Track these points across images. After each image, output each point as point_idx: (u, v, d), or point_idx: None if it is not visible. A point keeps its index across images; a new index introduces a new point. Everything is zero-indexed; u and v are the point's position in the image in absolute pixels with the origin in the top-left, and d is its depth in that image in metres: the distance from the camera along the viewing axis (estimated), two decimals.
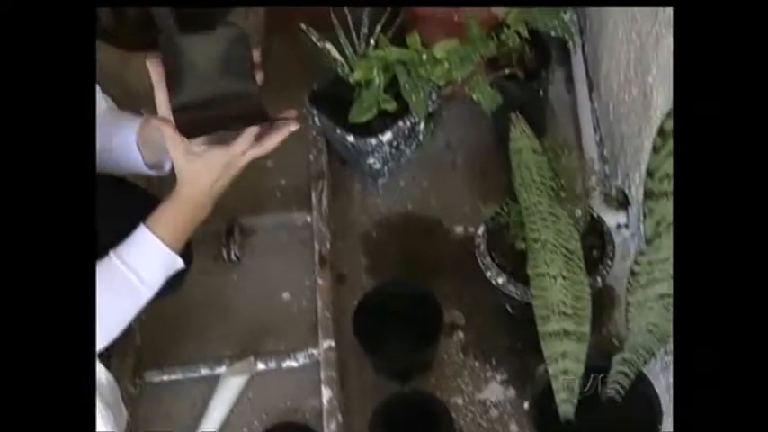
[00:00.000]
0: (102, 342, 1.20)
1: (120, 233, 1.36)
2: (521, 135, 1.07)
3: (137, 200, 1.47)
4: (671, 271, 0.98)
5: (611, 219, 1.61)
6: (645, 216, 0.96)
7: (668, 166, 0.90)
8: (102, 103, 1.34)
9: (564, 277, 1.12)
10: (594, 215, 1.47)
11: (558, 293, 1.13)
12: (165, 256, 1.18)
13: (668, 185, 0.92)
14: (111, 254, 1.17)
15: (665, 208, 0.93)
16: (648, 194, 0.95)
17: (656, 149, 0.93)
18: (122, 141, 1.30)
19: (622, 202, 1.64)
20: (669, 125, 0.91)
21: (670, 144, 0.91)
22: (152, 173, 1.35)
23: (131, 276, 1.16)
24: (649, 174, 0.95)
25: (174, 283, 1.47)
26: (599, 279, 1.41)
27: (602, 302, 1.59)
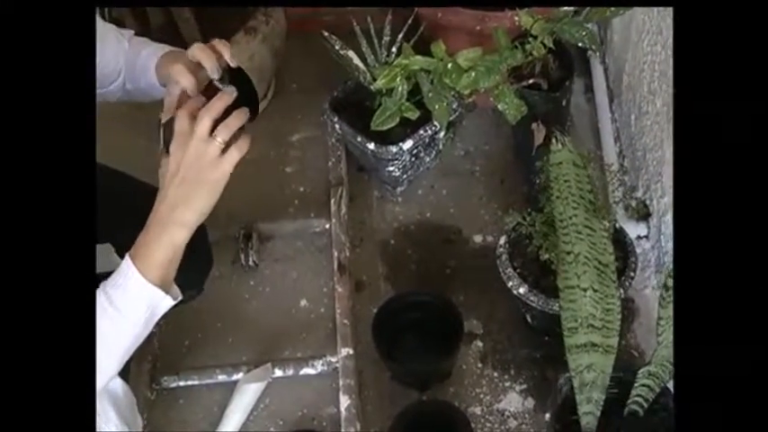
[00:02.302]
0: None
1: (123, 230, 1.36)
2: (562, 148, 1.06)
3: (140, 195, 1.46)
4: None
5: (632, 230, 1.61)
6: None
7: None
8: (123, 39, 1.32)
9: (594, 290, 1.11)
10: (617, 226, 1.46)
11: (587, 306, 1.12)
12: (148, 292, 1.05)
13: None
14: (101, 285, 1.07)
15: None
16: None
17: None
18: (151, 86, 1.28)
19: (643, 214, 1.64)
20: None
21: None
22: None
23: (111, 310, 1.05)
24: None
25: (194, 289, 1.48)
26: (621, 291, 1.40)
27: (622, 314, 1.58)
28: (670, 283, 0.99)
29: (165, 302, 1.08)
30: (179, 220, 1.06)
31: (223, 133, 1.04)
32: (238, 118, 1.05)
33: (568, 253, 1.09)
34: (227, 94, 1.06)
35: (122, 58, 1.30)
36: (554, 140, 1.07)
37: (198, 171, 1.04)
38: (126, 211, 1.29)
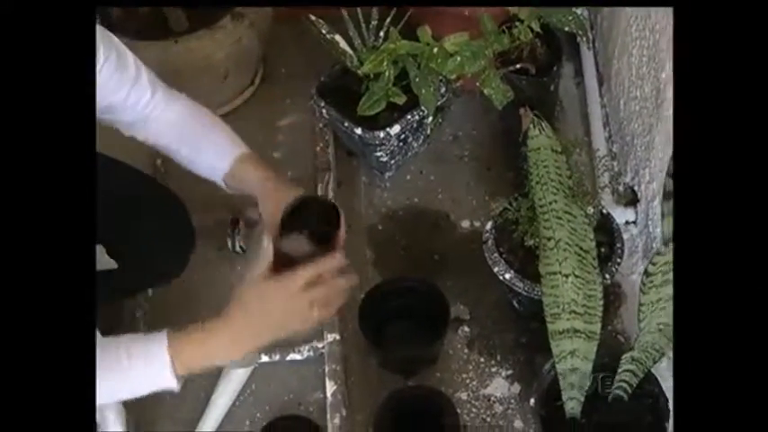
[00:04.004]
0: None
1: (124, 222, 1.36)
2: (540, 133, 1.06)
3: (145, 189, 1.46)
4: None
5: (620, 215, 1.60)
6: (663, 216, 0.95)
7: None
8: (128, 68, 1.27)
9: (576, 276, 1.11)
10: (604, 212, 1.46)
11: (569, 292, 1.12)
12: (165, 376, 1.06)
13: None
14: (123, 340, 1.08)
15: None
16: (668, 195, 0.94)
17: None
18: (209, 166, 1.29)
19: (631, 200, 1.64)
20: None
21: None
22: (228, 191, 1.33)
23: (124, 370, 1.05)
24: (669, 174, 0.94)
25: (176, 269, 1.48)
26: (607, 276, 1.40)
27: (608, 299, 1.58)
28: (651, 269, 0.99)
29: (171, 387, 1.09)
30: (242, 348, 1.09)
31: (324, 312, 1.07)
32: (341, 296, 1.09)
33: (549, 239, 1.08)
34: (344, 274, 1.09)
35: (130, 92, 1.24)
36: (532, 126, 1.06)
37: (286, 322, 1.08)
38: (116, 198, 1.28)
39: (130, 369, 1.05)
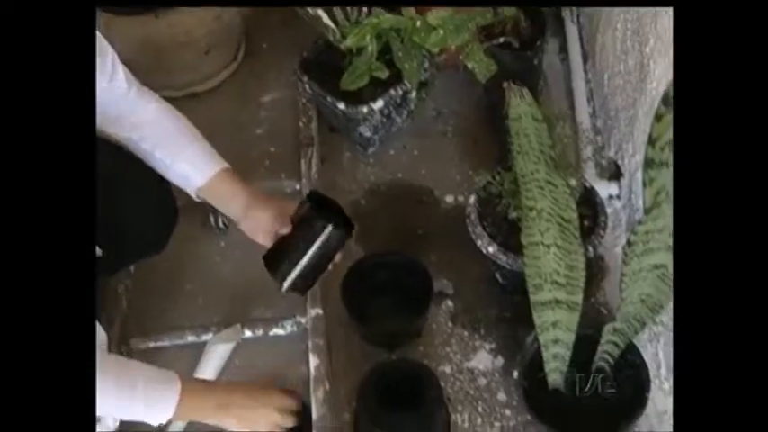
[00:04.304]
0: None
1: (107, 198, 1.34)
2: (521, 101, 1.05)
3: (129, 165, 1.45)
4: (667, 241, 0.98)
5: (603, 189, 1.61)
6: (644, 185, 0.95)
7: (670, 135, 0.89)
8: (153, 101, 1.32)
9: (558, 246, 1.11)
10: (587, 185, 1.46)
11: (551, 263, 1.13)
12: (159, 418, 1.14)
13: (669, 154, 0.91)
14: (140, 376, 1.13)
15: (666, 177, 0.92)
16: (649, 163, 0.94)
17: (658, 117, 0.91)
18: (183, 176, 1.32)
19: (615, 173, 1.64)
20: None
21: None
22: (195, 199, 1.37)
23: (129, 400, 1.11)
24: (650, 142, 0.94)
25: (159, 243, 1.47)
26: (590, 249, 1.40)
27: (592, 272, 1.58)
28: (633, 239, 0.99)
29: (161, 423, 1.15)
30: (235, 416, 1.24)
31: None
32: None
33: (531, 209, 1.08)
34: None
35: (106, 88, 1.26)
36: (513, 94, 1.06)
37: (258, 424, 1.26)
38: (100, 174, 1.27)
39: (135, 403, 1.11)
